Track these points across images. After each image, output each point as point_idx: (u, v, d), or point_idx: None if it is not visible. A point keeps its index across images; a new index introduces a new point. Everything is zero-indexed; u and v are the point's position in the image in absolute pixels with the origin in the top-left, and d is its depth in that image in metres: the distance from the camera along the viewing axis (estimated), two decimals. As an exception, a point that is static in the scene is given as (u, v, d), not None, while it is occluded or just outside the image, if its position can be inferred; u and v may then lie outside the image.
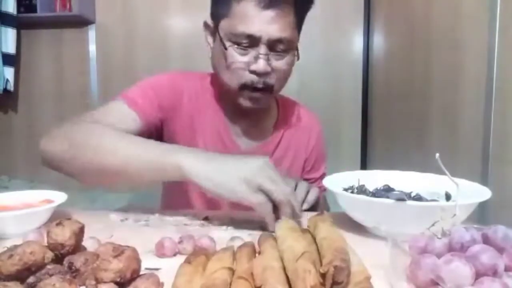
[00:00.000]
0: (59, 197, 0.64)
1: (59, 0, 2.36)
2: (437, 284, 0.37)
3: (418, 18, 1.67)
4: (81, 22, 2.45)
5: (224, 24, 0.79)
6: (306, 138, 0.98)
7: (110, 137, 0.69)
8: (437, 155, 0.46)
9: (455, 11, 1.34)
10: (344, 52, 2.40)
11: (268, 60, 0.77)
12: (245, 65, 0.78)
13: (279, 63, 0.79)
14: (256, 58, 0.77)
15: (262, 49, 0.76)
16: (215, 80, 0.90)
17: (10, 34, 2.34)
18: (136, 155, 0.66)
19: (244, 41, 0.77)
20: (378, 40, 2.25)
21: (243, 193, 0.59)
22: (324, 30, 2.37)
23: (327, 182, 0.64)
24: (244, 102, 0.82)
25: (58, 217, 0.49)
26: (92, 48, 2.50)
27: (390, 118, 2.03)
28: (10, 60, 2.37)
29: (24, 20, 2.37)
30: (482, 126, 1.13)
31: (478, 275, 0.35)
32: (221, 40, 0.79)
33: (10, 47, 2.35)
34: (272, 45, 0.77)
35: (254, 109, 0.84)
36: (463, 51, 1.29)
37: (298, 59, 0.84)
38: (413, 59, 1.71)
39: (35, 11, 2.34)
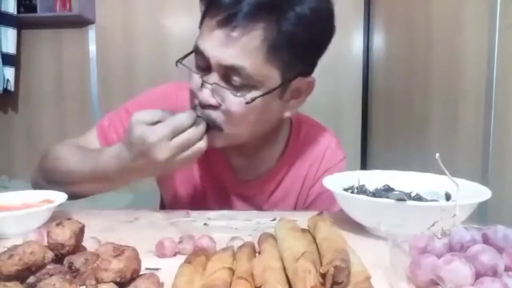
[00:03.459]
0: (59, 197, 0.64)
1: (59, 0, 2.36)
2: (437, 284, 0.37)
3: (418, 18, 1.67)
4: (81, 22, 2.45)
5: None
6: (316, 167, 0.81)
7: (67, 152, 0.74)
8: (437, 155, 0.46)
9: (455, 11, 1.34)
10: (344, 52, 2.40)
11: (216, 90, 0.63)
12: (195, 90, 0.67)
13: (229, 99, 0.63)
14: (202, 85, 0.64)
15: (212, 76, 0.63)
16: None
17: (10, 34, 2.33)
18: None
19: (199, 61, 0.66)
20: (378, 40, 2.25)
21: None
22: (324, 30, 2.37)
23: (327, 182, 0.64)
24: None
25: (58, 217, 0.49)
26: (92, 48, 2.50)
27: (390, 118, 2.03)
28: (10, 60, 2.37)
29: (24, 20, 2.37)
30: (482, 126, 1.13)
31: (478, 275, 0.35)
32: None
33: (10, 47, 2.35)
34: (227, 75, 0.63)
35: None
36: (463, 51, 1.29)
37: (289, 112, 0.70)
38: (413, 59, 1.71)
39: (35, 11, 2.34)
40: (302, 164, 0.80)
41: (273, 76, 0.64)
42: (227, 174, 0.80)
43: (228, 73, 0.62)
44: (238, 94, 0.63)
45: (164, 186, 0.89)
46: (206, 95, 0.63)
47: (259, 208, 0.81)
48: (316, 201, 0.81)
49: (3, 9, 2.28)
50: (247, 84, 0.62)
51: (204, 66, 0.65)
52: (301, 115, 0.86)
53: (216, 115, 0.65)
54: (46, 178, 0.76)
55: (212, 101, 0.64)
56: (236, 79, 0.62)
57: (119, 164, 0.65)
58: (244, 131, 0.68)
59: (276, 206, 0.81)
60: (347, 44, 2.40)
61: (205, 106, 0.64)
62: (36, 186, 0.78)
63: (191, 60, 0.68)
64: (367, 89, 2.37)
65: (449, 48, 1.38)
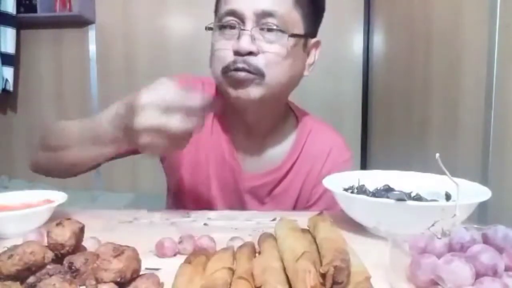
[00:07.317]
0: (59, 197, 0.64)
1: (59, 0, 2.36)
2: (437, 284, 0.37)
3: (418, 18, 1.67)
4: (81, 22, 2.45)
5: (217, 12, 0.74)
6: (320, 165, 0.83)
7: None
8: (437, 155, 0.46)
9: (455, 11, 1.34)
10: (344, 52, 2.40)
11: (254, 38, 0.69)
12: (229, 47, 0.70)
13: (269, 45, 0.69)
14: (239, 36, 0.69)
15: (247, 24, 0.69)
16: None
17: (9, 33, 2.34)
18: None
19: (230, 18, 0.70)
20: (378, 40, 2.25)
21: None
22: (324, 30, 2.37)
23: (327, 182, 0.64)
24: (231, 91, 0.71)
25: (58, 217, 0.49)
26: (92, 48, 2.50)
27: (390, 118, 2.03)
28: (9, 60, 2.37)
29: (24, 20, 2.37)
30: (482, 126, 1.12)
31: (478, 275, 0.35)
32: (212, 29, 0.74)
33: (9, 47, 2.35)
34: (261, 21, 0.69)
35: (247, 105, 0.73)
36: (463, 51, 1.28)
37: (308, 54, 0.77)
38: (413, 59, 1.71)
39: (35, 11, 2.34)
40: (306, 161, 0.82)
41: (299, 23, 0.73)
42: (234, 163, 0.81)
43: (263, 18, 0.69)
44: (273, 38, 0.70)
45: (171, 173, 0.88)
46: (246, 43, 0.68)
47: (260, 200, 0.83)
48: (320, 200, 0.82)
49: (2, 9, 2.28)
50: (280, 27, 0.69)
51: (235, 25, 0.70)
52: (307, 113, 0.88)
53: (257, 61, 0.69)
54: (44, 146, 0.76)
55: (253, 47, 0.68)
56: (271, 22, 0.69)
57: (106, 119, 0.62)
58: (281, 77, 0.72)
59: (277, 200, 0.82)
60: (347, 44, 2.41)
61: (245, 54, 0.68)
62: (35, 164, 0.79)
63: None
64: (367, 89, 2.37)
65: (449, 48, 1.38)
